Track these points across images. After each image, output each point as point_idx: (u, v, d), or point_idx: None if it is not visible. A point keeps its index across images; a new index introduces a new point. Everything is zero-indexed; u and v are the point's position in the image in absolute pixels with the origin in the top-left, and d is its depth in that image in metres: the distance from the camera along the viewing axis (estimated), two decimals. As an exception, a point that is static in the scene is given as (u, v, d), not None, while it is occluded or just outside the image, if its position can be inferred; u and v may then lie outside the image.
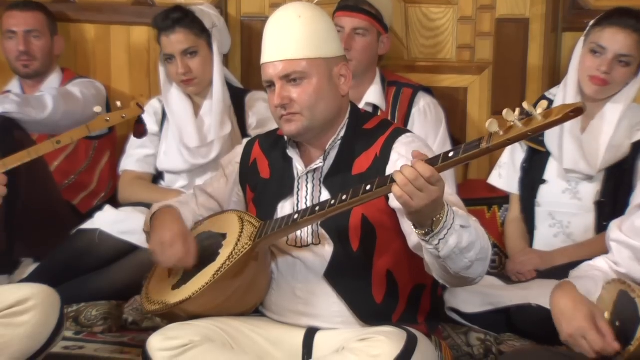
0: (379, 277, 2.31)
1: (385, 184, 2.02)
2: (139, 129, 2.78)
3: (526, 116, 1.83)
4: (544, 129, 1.83)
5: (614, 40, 3.00)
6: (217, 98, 3.42)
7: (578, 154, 3.08)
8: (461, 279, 2.12)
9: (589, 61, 3.05)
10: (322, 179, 2.35)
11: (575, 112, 1.79)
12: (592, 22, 3.11)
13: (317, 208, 2.17)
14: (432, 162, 1.95)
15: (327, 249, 2.32)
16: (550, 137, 3.15)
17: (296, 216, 2.21)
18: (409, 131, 2.42)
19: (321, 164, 2.35)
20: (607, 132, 3.08)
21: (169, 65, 3.42)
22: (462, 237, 2.02)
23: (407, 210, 1.98)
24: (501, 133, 1.87)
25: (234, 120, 3.48)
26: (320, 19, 2.34)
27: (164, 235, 2.37)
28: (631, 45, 3.01)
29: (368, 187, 2.05)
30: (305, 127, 2.31)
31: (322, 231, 2.32)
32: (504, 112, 1.84)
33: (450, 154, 1.94)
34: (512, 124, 1.85)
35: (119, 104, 2.70)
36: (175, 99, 3.49)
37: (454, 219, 2.01)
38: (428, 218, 1.99)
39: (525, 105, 1.82)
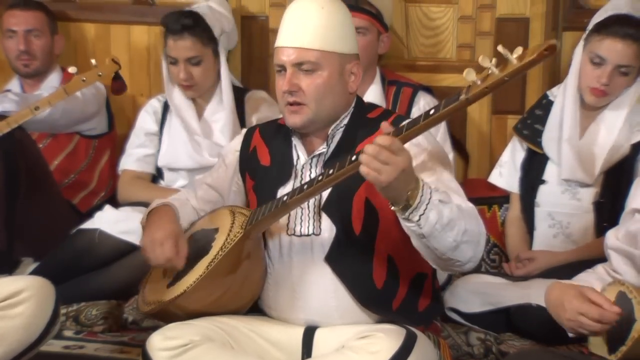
0: (380, 262, 2.30)
1: None
2: (117, 85, 2.70)
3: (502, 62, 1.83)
4: (520, 71, 1.83)
5: (613, 50, 2.99)
6: (227, 105, 3.43)
7: (576, 163, 3.08)
8: (449, 261, 2.12)
9: (589, 71, 3.04)
10: (323, 165, 2.34)
11: (549, 49, 1.78)
12: (591, 26, 3.09)
13: (305, 186, 2.16)
14: (415, 121, 1.98)
15: (327, 240, 2.31)
16: (549, 144, 3.15)
17: (285, 197, 2.20)
18: None
19: (324, 150, 2.35)
20: (606, 137, 3.08)
21: (171, 66, 3.41)
22: (442, 212, 2.03)
23: (378, 187, 1.99)
24: (479, 82, 1.88)
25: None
26: (342, 14, 2.34)
27: (155, 233, 2.35)
28: (631, 55, 3.00)
29: (353, 158, 2.05)
30: (310, 120, 2.31)
31: (322, 221, 2.31)
32: (480, 58, 1.85)
33: (432, 112, 1.96)
34: (489, 72, 1.84)
35: (93, 61, 2.65)
36: (178, 98, 3.49)
37: (431, 194, 2.02)
38: (402, 192, 2.00)
39: (500, 48, 1.83)
